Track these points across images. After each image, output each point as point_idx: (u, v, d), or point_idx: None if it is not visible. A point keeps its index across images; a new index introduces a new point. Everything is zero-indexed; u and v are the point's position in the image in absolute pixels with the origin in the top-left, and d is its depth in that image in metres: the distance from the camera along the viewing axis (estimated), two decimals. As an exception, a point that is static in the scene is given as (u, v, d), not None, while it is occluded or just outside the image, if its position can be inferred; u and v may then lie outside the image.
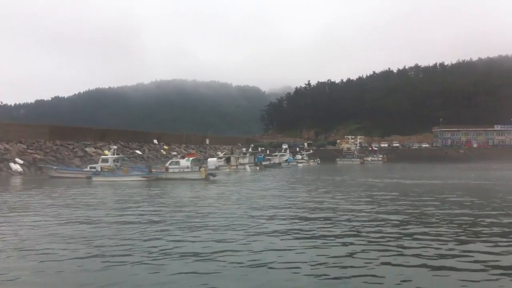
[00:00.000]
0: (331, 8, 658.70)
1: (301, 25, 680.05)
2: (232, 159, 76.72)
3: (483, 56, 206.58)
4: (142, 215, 22.28)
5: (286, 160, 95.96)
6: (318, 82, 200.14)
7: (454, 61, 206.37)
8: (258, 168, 78.24)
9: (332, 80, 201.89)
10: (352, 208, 24.06)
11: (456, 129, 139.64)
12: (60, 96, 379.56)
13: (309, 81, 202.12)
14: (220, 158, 77.35)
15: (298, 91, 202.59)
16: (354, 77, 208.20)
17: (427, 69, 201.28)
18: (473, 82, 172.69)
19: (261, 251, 13.95)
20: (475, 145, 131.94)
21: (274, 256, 13.30)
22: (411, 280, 11.03)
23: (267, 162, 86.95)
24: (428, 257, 13.03)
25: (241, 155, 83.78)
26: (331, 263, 12.57)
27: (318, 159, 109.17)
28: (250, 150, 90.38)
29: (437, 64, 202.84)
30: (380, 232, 17.03)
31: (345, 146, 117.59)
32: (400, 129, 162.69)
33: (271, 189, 37.26)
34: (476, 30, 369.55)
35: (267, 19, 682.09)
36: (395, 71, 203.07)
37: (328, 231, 17.33)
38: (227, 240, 15.69)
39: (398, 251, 13.87)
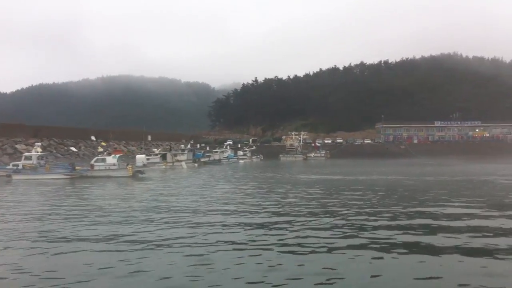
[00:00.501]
0: (282, 8, 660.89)
1: (252, 23, 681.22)
2: (168, 155, 74.30)
3: (427, 54, 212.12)
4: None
5: (227, 157, 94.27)
6: (266, 78, 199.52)
7: (398, 59, 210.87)
8: (196, 165, 76.30)
9: (279, 77, 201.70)
10: (247, 201, 24.62)
11: (398, 125, 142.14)
12: (1, 92, 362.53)
13: (256, 77, 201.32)
14: (156, 154, 74.82)
15: (245, 87, 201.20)
16: (301, 74, 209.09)
17: (372, 67, 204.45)
18: (415, 80, 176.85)
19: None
20: (415, 141, 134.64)
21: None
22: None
23: (206, 159, 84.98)
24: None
25: (180, 151, 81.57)
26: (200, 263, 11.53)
27: (261, 156, 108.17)
28: (188, 146, 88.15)
29: (382, 62, 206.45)
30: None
31: (288, 142, 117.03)
32: (345, 125, 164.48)
33: (192, 187, 35.54)
34: (421, 29, 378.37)
35: (218, 17, 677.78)
36: (341, 68, 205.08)
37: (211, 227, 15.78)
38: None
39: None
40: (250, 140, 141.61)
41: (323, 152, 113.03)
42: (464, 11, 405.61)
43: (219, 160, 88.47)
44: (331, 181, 39.83)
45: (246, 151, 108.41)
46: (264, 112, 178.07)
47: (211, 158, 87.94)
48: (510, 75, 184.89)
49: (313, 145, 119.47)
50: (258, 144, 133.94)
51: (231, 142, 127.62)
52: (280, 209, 21.50)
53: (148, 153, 78.63)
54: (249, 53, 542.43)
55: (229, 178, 46.80)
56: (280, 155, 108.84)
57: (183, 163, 71.73)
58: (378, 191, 29.53)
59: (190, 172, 59.91)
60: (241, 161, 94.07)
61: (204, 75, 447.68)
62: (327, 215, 19.49)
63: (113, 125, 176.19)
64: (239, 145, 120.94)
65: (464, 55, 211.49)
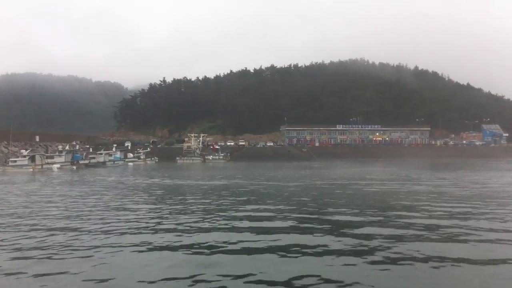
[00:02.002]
0: (193, 7, 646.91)
1: (164, 22, 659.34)
2: (37, 157, 67.86)
3: (335, 59, 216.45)
4: None
5: (113, 159, 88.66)
6: (174, 79, 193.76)
7: (307, 63, 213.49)
8: (75, 167, 70.49)
9: (188, 78, 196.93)
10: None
11: (301, 128, 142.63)
12: None
13: (164, 78, 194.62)
14: (24, 156, 68.09)
15: (152, 87, 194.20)
16: (212, 75, 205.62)
17: (282, 70, 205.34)
18: (322, 84, 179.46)
19: None
20: (317, 144, 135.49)
21: None
22: None
23: (87, 161, 79.02)
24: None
25: (57, 153, 75.27)
26: None
27: (155, 158, 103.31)
28: (67, 148, 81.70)
29: (292, 66, 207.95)
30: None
31: (185, 144, 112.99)
32: (253, 128, 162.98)
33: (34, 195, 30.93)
34: (332, 35, 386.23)
35: (127, 17, 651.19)
36: (252, 70, 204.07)
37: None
38: None
39: None
40: (151, 141, 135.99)
41: (222, 154, 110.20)
42: (374, 19, 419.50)
43: (104, 163, 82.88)
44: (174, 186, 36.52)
45: (140, 153, 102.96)
46: (172, 113, 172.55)
47: (95, 161, 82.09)
48: (412, 81, 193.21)
49: (211, 147, 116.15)
50: (158, 145, 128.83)
51: (129, 144, 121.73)
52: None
53: (16, 155, 71.55)
54: (161, 53, 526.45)
55: (90, 183, 42.32)
56: (177, 158, 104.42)
57: (54, 166, 65.73)
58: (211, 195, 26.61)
59: (60, 175, 54.62)
60: (130, 163, 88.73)
61: (116, 74, 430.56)
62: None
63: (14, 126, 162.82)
64: (134, 146, 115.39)
65: (370, 61, 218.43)
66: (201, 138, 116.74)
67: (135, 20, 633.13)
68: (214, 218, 18.94)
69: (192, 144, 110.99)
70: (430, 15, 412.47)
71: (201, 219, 18.75)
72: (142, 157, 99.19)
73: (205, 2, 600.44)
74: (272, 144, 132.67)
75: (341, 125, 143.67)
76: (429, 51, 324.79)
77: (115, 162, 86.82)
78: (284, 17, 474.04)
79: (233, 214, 20.27)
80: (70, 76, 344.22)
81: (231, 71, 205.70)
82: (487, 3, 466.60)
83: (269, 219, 18.83)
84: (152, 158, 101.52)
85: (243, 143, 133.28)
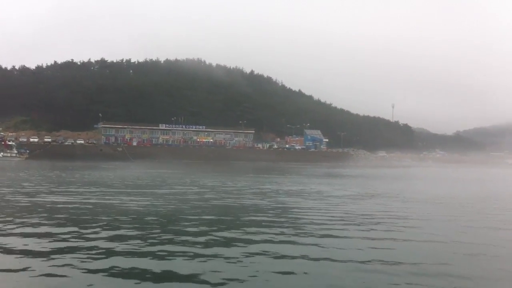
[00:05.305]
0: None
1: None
2: None
3: (172, 58, 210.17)
4: None
5: None
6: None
7: (141, 59, 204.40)
8: None
9: (4, 67, 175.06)
10: None
11: (121, 126, 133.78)
12: None
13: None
14: None
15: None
16: (32, 65, 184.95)
17: (113, 65, 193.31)
18: (154, 82, 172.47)
19: None
20: (134, 143, 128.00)
21: None
22: None
23: None
24: None
25: None
26: None
27: None
28: None
29: (124, 61, 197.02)
30: None
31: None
32: (73, 124, 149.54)
33: None
34: (168, 33, 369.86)
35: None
36: (79, 63, 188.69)
37: None
38: None
39: None
40: None
41: (15, 152, 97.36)
42: (217, 22, 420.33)
43: None
44: None
45: None
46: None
47: None
48: (246, 85, 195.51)
49: (3, 143, 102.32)
50: None
51: None
52: None
53: None
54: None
55: None
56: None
57: None
58: None
59: None
60: None
61: None
62: None
63: None
64: None
65: (207, 62, 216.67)
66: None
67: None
68: None
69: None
70: (270, 23, 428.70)
71: None
72: None
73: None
74: (83, 142, 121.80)
75: (164, 125, 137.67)
76: (267, 57, 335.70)
77: None
78: (111, 10, 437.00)
79: None
80: None
81: (55, 62, 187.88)
82: (322, 14, 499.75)
83: None
84: None
85: (49, 139, 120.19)
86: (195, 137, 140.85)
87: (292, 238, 14.97)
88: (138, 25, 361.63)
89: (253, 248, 13.40)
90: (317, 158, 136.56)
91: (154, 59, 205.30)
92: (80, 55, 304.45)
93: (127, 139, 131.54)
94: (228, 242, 14.14)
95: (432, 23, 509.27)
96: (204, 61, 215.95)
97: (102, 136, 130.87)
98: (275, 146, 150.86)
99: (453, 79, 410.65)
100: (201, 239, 14.42)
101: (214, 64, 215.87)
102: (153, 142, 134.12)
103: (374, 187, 39.75)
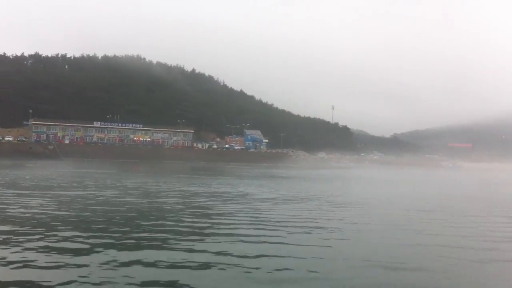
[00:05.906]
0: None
1: None
2: None
3: (110, 54, 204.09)
4: None
5: None
6: None
7: (78, 55, 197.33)
8: None
9: None
10: None
11: (53, 123, 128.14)
12: None
13: None
14: None
15: None
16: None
17: (47, 59, 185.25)
18: (90, 78, 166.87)
19: None
20: (67, 141, 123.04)
21: None
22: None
23: None
24: None
25: None
26: None
27: None
28: None
29: (59, 56, 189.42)
30: None
31: None
32: (3, 120, 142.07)
33: None
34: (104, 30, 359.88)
35: None
36: (11, 57, 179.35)
37: None
38: None
39: None
40: None
41: None
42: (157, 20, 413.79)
43: None
44: None
45: None
46: None
47: None
48: (187, 84, 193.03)
49: None
50: None
51: None
52: None
53: None
54: None
55: None
56: None
57: None
58: None
59: None
60: None
61: None
62: None
63: None
64: None
65: (148, 59, 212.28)
66: None
67: None
68: None
69: None
70: (215, 24, 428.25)
71: None
72: None
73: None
74: (11, 139, 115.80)
75: (99, 122, 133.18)
76: (210, 57, 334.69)
77: None
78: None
79: None
80: None
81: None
82: (269, 17, 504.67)
83: None
84: None
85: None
86: (131, 136, 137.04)
87: (169, 242, 14.63)
88: (76, 20, 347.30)
89: (124, 255, 12.90)
90: (257, 158, 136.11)
91: (91, 55, 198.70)
92: (14, 49, 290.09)
93: (59, 136, 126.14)
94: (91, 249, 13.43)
95: (370, 33, 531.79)
96: (144, 58, 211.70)
97: (33, 134, 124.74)
98: (215, 146, 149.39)
99: (390, 85, 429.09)
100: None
101: (154, 61, 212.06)
102: (87, 141, 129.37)
103: (306, 189, 39.39)
